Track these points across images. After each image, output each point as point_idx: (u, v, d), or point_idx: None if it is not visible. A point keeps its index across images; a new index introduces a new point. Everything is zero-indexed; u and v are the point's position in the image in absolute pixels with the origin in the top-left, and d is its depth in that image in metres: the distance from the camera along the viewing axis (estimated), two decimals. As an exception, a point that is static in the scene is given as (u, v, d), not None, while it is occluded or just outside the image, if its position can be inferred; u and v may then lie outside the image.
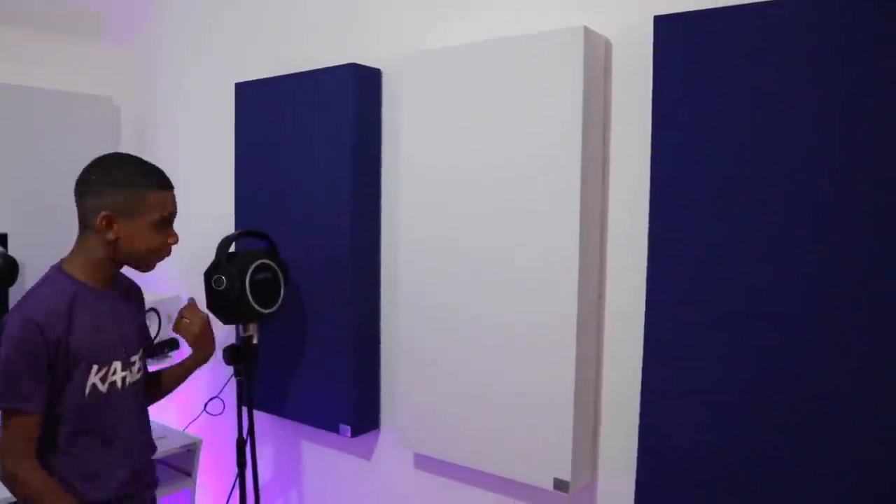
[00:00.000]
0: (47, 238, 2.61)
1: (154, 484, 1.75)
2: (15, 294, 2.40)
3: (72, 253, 1.58)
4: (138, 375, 1.68)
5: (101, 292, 1.58)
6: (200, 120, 2.80)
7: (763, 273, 1.45)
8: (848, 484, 1.37)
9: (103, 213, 1.50)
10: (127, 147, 2.95)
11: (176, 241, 1.61)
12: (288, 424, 2.50)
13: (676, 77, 1.54)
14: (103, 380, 1.56)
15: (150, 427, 1.76)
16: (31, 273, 2.50)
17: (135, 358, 1.66)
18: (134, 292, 1.77)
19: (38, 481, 1.46)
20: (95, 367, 1.54)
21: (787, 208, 1.42)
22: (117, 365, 1.60)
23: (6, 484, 1.47)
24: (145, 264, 1.60)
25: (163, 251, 1.60)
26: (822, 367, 1.39)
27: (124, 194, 1.50)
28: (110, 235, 1.51)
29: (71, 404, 1.51)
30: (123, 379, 1.61)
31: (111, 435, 1.59)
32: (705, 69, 1.50)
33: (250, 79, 2.44)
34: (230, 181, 2.51)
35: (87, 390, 1.53)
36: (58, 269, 1.56)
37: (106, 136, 2.85)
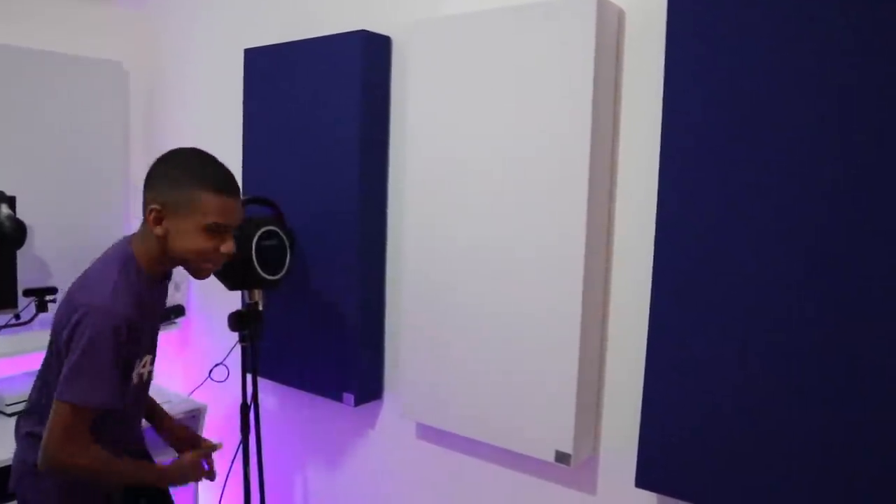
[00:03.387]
0: (55, 201, 2.63)
1: None
2: (23, 257, 2.42)
3: (136, 238, 1.54)
4: (152, 367, 1.68)
5: (156, 283, 1.57)
6: (209, 86, 2.79)
7: (772, 243, 1.43)
8: (850, 468, 1.37)
9: (151, 206, 1.46)
10: (135, 112, 2.94)
11: (231, 251, 1.51)
12: (291, 392, 2.52)
13: (690, 50, 1.50)
14: (140, 373, 1.58)
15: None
16: (39, 235, 2.51)
17: (156, 350, 1.67)
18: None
19: (100, 459, 1.45)
20: (138, 361, 1.55)
21: (802, 193, 1.39)
22: (147, 358, 1.61)
23: (65, 470, 1.43)
24: (194, 270, 1.53)
25: (213, 259, 1.50)
26: (826, 352, 1.38)
27: (178, 192, 1.44)
28: (158, 231, 1.46)
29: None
30: (150, 372, 1.64)
31: (125, 427, 1.62)
32: (720, 42, 1.46)
33: (259, 45, 2.41)
34: (237, 148, 2.50)
35: (133, 381, 1.55)
36: (130, 256, 1.50)
37: (115, 101, 2.84)
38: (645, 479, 1.61)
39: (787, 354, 1.42)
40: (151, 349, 1.65)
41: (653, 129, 1.63)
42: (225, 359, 2.50)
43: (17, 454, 1.58)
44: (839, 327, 1.37)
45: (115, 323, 1.39)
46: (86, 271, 1.52)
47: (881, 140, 1.31)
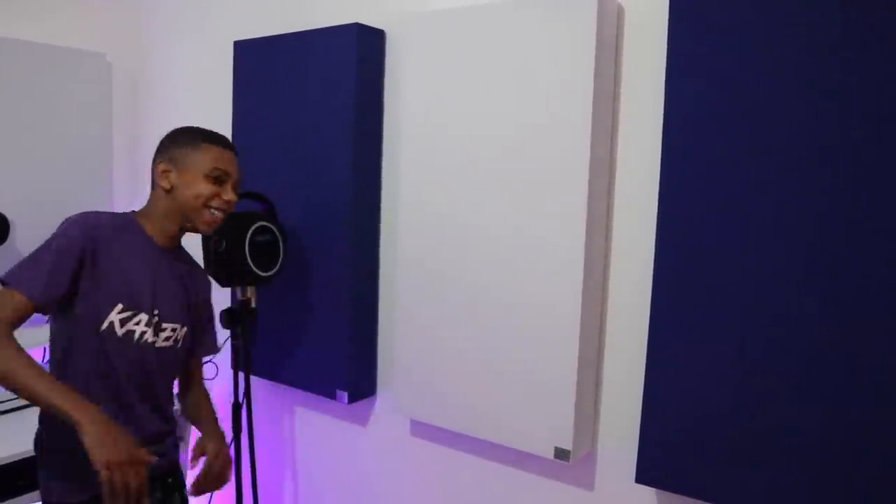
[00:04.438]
0: (37, 195, 2.56)
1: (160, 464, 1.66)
2: (5, 252, 2.35)
3: (142, 212, 1.65)
4: (165, 344, 1.63)
5: (159, 249, 1.63)
6: (196, 78, 2.74)
7: (773, 240, 1.44)
8: (850, 464, 1.38)
9: (159, 164, 1.60)
10: (119, 104, 2.88)
11: (233, 199, 1.64)
12: (282, 390, 2.49)
13: (691, 46, 1.51)
14: (122, 324, 1.54)
15: (167, 407, 1.70)
16: (20, 230, 2.45)
17: (167, 325, 1.62)
18: (199, 274, 1.76)
19: (11, 354, 1.36)
20: (120, 307, 1.53)
21: (802, 190, 1.40)
22: (142, 318, 1.57)
23: None
24: (199, 219, 1.61)
25: (214, 204, 1.61)
26: (826, 349, 1.39)
27: (183, 147, 1.61)
28: (164, 184, 1.59)
29: (87, 331, 1.51)
30: (142, 335, 1.58)
31: (120, 391, 1.56)
32: (721, 39, 1.47)
33: (249, 37, 2.37)
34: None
35: (105, 325, 1.51)
36: (133, 221, 1.62)
37: (97, 93, 2.77)
38: (645, 474, 1.62)
39: (787, 351, 1.43)
40: (151, 312, 1.59)
41: (650, 125, 1.64)
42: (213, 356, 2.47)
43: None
44: (839, 324, 1.38)
45: (79, 224, 1.49)
46: None
47: (881, 137, 1.32)
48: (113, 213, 1.61)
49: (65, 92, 2.65)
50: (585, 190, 1.65)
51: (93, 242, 1.50)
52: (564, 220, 1.68)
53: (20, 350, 1.37)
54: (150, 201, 1.65)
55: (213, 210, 1.61)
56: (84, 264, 1.48)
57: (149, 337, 1.58)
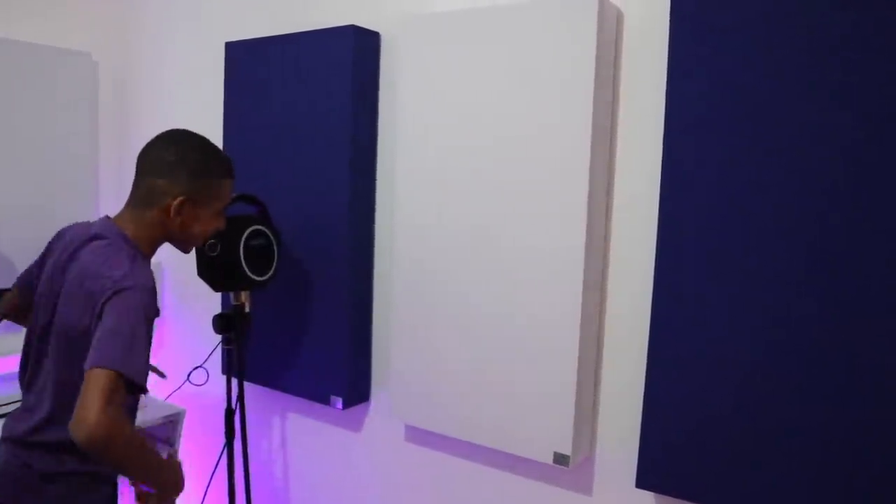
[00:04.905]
0: (21, 196, 2.51)
1: None
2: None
3: (128, 222, 1.50)
4: None
5: (142, 256, 1.53)
6: (186, 79, 2.69)
7: (774, 241, 1.45)
8: (851, 466, 1.39)
9: (182, 198, 1.47)
10: (105, 106, 2.83)
11: (223, 227, 1.61)
12: (274, 395, 2.46)
13: (692, 49, 1.51)
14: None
15: None
16: (4, 232, 2.40)
17: None
18: None
19: (138, 437, 1.37)
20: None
21: (803, 191, 1.41)
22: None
23: (111, 442, 1.27)
24: (192, 246, 1.60)
25: (211, 233, 1.60)
26: (827, 350, 1.40)
27: (203, 183, 1.50)
28: (178, 218, 1.49)
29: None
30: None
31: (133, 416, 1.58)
32: (722, 41, 1.47)
33: (242, 37, 2.34)
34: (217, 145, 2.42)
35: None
36: (126, 238, 1.48)
37: (82, 94, 2.71)
38: (646, 479, 1.62)
39: (788, 352, 1.44)
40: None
41: (650, 128, 1.65)
42: (204, 362, 2.44)
43: (7, 461, 1.48)
44: (839, 325, 1.39)
45: (146, 295, 1.38)
46: (86, 261, 1.44)
47: (881, 138, 1.33)
48: (139, 262, 1.44)
49: (49, 92, 2.60)
50: (586, 193, 1.65)
51: (153, 316, 1.41)
52: (564, 223, 1.68)
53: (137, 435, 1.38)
54: (141, 221, 1.49)
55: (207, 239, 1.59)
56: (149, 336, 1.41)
57: None
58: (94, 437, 1.23)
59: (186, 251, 1.61)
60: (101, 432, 1.23)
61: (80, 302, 1.40)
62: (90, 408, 1.24)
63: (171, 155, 1.48)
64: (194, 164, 1.48)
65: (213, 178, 1.51)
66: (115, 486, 1.61)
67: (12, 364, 2.50)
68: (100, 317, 1.34)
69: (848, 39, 1.35)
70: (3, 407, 2.26)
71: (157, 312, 1.43)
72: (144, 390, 1.36)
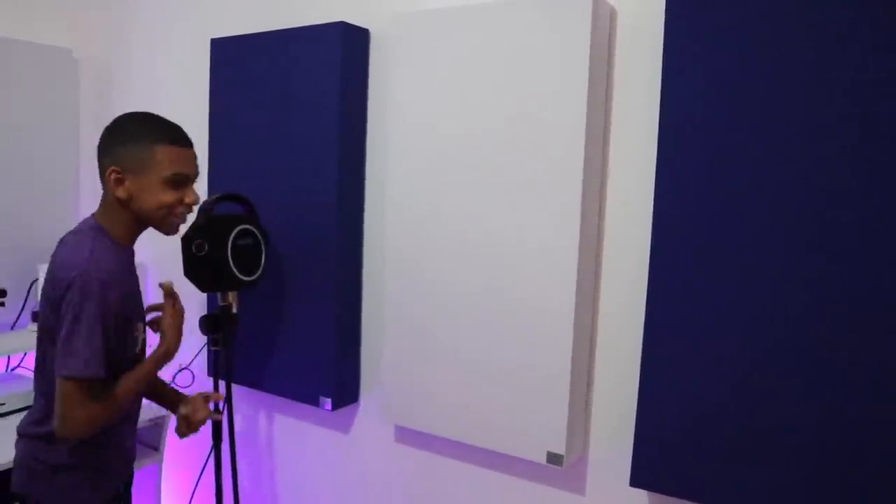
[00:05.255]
0: (1, 190, 2.46)
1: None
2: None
3: (99, 213, 1.51)
4: (144, 335, 1.62)
5: (124, 250, 1.52)
6: (170, 78, 2.65)
7: (769, 238, 1.45)
8: (848, 463, 1.40)
9: (111, 168, 1.44)
10: (86, 104, 2.78)
11: (194, 202, 1.51)
12: (261, 397, 2.42)
13: (687, 47, 1.51)
14: (137, 338, 1.55)
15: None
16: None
17: (141, 325, 1.60)
18: None
19: (113, 401, 1.43)
20: (140, 324, 1.55)
21: (799, 189, 1.41)
22: (140, 325, 1.57)
23: (90, 433, 1.42)
24: (163, 225, 1.51)
25: (178, 210, 1.50)
26: (823, 347, 1.40)
27: (133, 149, 1.43)
28: (120, 193, 1.45)
29: (126, 358, 1.50)
30: (143, 340, 1.59)
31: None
32: (717, 39, 1.47)
33: (228, 34, 2.31)
34: (203, 145, 2.39)
35: (139, 345, 1.54)
36: (98, 227, 1.48)
37: (63, 91, 2.67)
38: (640, 477, 1.61)
39: (784, 349, 1.44)
40: (142, 315, 1.59)
41: (644, 125, 1.65)
42: (189, 363, 2.40)
43: (22, 454, 1.53)
44: (835, 322, 1.39)
45: (101, 279, 1.37)
46: (55, 253, 1.47)
47: (878, 136, 1.34)
48: (99, 249, 1.43)
49: (29, 89, 2.55)
50: (579, 192, 1.64)
51: (122, 298, 1.43)
52: (558, 220, 1.67)
53: (117, 390, 1.45)
54: (107, 208, 1.49)
55: (175, 217, 1.50)
56: (113, 320, 1.42)
57: (146, 337, 1.59)
58: (73, 438, 1.40)
59: (165, 231, 1.53)
60: (78, 433, 1.39)
61: (46, 300, 1.44)
62: (61, 416, 1.37)
63: (108, 131, 1.48)
64: (124, 135, 1.45)
65: (141, 143, 1.43)
66: (128, 480, 1.69)
67: (12, 363, 2.52)
68: (58, 313, 1.38)
69: (843, 37, 1.36)
70: (3, 406, 2.24)
71: (120, 293, 1.42)
72: (114, 375, 1.43)
